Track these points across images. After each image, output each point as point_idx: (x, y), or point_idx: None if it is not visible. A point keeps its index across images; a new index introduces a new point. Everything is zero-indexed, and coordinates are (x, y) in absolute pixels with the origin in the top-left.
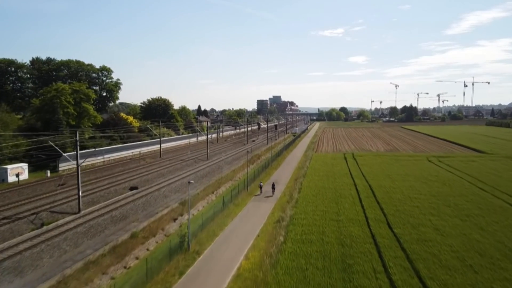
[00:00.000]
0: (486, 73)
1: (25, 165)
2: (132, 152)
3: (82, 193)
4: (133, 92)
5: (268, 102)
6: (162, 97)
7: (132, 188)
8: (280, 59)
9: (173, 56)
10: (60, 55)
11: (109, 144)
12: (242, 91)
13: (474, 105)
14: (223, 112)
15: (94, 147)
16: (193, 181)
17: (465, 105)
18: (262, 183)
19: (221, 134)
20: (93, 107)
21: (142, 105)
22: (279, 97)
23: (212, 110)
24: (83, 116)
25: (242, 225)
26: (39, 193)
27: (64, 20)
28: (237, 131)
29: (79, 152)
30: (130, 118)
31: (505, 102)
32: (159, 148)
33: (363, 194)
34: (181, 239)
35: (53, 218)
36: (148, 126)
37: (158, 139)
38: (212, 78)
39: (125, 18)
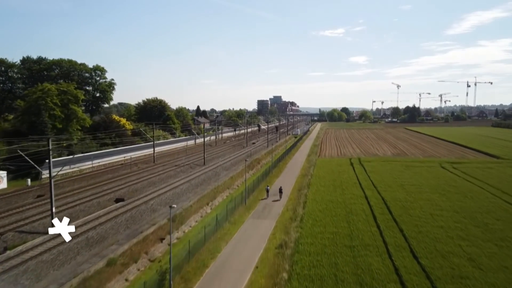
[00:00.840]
0: (487, 73)
1: (3, 173)
2: (124, 157)
3: (60, 207)
4: (135, 92)
5: (269, 102)
6: (158, 97)
7: (117, 200)
8: (281, 59)
9: (175, 56)
10: (61, 56)
11: (100, 149)
12: (243, 91)
13: (475, 105)
14: (223, 112)
15: (73, 154)
16: (175, 206)
17: (466, 105)
18: (269, 187)
19: (220, 136)
20: (82, 109)
21: (136, 106)
22: (280, 97)
23: (213, 110)
24: (71, 119)
25: (238, 252)
26: (13, 206)
27: (66, 20)
28: (238, 132)
29: (61, 158)
30: (123, 120)
31: (506, 102)
32: (153, 152)
33: (377, 210)
34: (160, 276)
35: (21, 239)
36: (141, 129)
37: (152, 143)
38: (213, 78)
39: (126, 19)
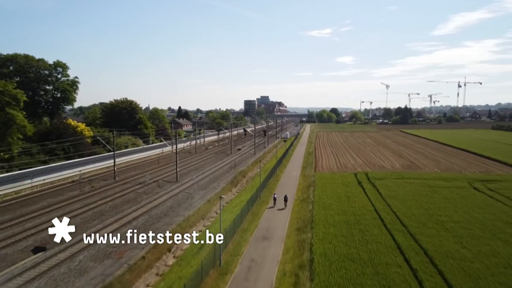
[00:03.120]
0: (471, 74)
1: None
2: (81, 171)
3: None
4: (120, 92)
5: (256, 102)
6: (143, 97)
7: (36, 250)
8: (268, 59)
9: (162, 56)
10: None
11: (48, 162)
12: (230, 91)
13: (461, 105)
14: (208, 113)
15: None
16: None
17: (452, 105)
18: (276, 195)
19: (202, 140)
20: (24, 113)
21: (103, 108)
22: (267, 97)
23: (198, 110)
24: (8, 126)
25: None
26: None
27: (50, 20)
28: (223, 135)
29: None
30: (81, 126)
31: (492, 102)
32: (113, 165)
33: (428, 281)
34: None
35: None
36: (98, 137)
37: (115, 153)
38: (200, 78)
39: (113, 19)
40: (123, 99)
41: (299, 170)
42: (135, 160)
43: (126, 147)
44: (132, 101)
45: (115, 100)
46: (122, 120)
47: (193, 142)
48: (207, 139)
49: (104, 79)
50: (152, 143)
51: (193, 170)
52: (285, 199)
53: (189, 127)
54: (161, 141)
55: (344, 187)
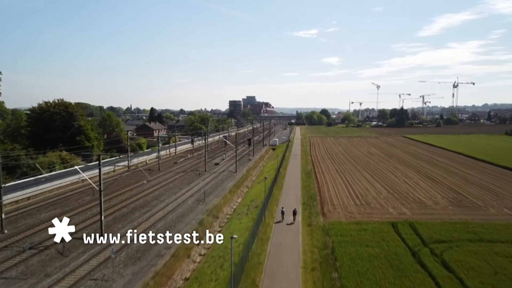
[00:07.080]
0: (455, 75)
1: None
2: None
3: None
4: (105, 94)
5: (242, 103)
6: (111, 99)
7: None
8: (255, 59)
9: (148, 55)
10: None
11: None
12: (216, 91)
13: (448, 106)
14: (189, 114)
15: None
16: None
17: (439, 106)
18: (284, 209)
19: (172, 150)
20: None
21: (29, 113)
22: (254, 97)
23: (181, 111)
24: None
25: None
26: None
27: (39, 18)
28: (200, 142)
29: None
30: None
31: (478, 103)
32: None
33: None
34: None
35: None
36: None
37: (36, 177)
38: (186, 78)
39: (99, 17)
40: (58, 100)
41: (299, 211)
42: (64, 188)
43: (52, 170)
44: (69, 104)
45: (45, 102)
46: (55, 129)
47: (162, 154)
48: (180, 148)
49: (90, 80)
50: (96, 160)
51: (139, 208)
52: (294, 213)
53: (163, 132)
54: (111, 156)
55: (395, 274)
